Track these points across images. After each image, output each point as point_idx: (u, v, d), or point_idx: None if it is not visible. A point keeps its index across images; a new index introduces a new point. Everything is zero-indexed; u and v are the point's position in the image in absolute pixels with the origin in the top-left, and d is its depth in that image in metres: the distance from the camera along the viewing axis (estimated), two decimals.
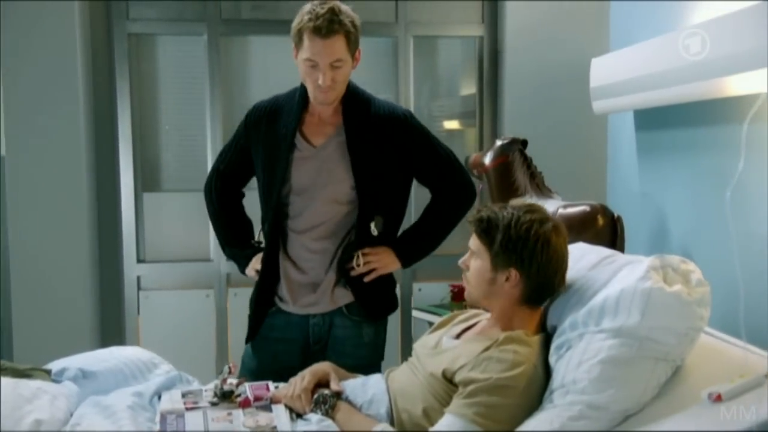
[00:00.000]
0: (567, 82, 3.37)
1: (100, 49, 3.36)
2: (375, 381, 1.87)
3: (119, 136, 3.39)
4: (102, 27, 3.36)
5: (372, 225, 2.24)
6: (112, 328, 3.45)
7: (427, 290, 3.51)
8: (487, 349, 1.70)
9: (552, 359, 1.71)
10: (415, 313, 3.02)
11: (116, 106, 3.38)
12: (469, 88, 3.66)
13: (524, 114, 3.42)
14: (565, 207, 2.60)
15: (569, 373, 1.62)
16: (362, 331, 2.30)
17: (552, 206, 2.63)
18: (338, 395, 1.81)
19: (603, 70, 2.88)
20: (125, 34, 3.37)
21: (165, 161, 3.52)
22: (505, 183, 2.74)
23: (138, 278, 3.48)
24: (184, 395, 1.89)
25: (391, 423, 1.75)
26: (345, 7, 2.10)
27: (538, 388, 1.67)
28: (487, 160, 2.78)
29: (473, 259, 1.82)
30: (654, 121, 2.84)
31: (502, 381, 1.61)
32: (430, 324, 3.07)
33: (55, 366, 1.98)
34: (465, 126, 3.68)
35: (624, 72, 2.70)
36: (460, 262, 1.87)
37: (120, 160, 3.40)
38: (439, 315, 2.95)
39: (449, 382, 1.71)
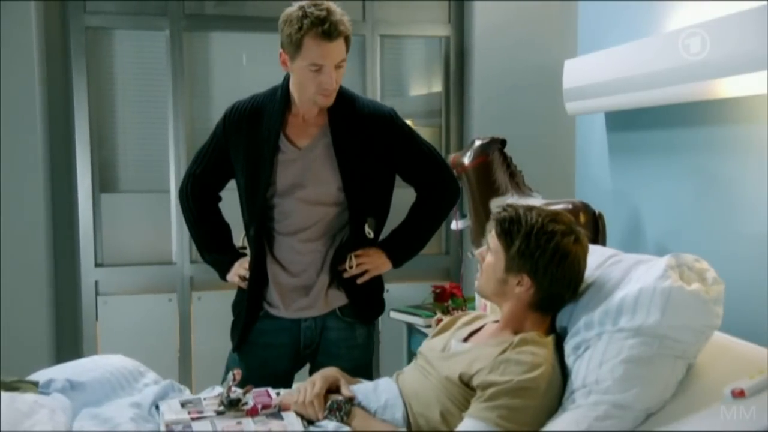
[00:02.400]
0: (535, 83, 3.41)
1: (55, 43, 3.19)
2: (386, 385, 1.83)
3: (76, 135, 3.24)
4: (57, 20, 3.19)
5: (366, 227, 2.21)
6: (68, 336, 3.30)
7: (395, 291, 3.47)
8: (503, 351, 1.68)
9: (569, 359, 1.71)
10: (393, 314, 2.99)
11: (73, 102, 3.23)
12: (434, 87, 3.66)
13: (492, 114, 3.43)
14: (546, 205, 2.61)
15: (591, 373, 1.61)
16: (356, 332, 2.27)
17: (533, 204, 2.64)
18: (351, 401, 1.76)
19: (577, 71, 2.92)
20: (82, 28, 3.21)
21: (124, 161, 3.38)
22: (485, 182, 2.74)
23: (96, 283, 3.32)
24: (183, 405, 1.81)
25: (408, 428, 1.72)
26: (336, 6, 2.05)
27: (557, 388, 1.66)
28: (467, 159, 2.77)
29: (489, 255, 1.81)
30: (626, 122, 2.89)
31: (523, 383, 1.60)
32: (408, 325, 3.05)
33: (40, 377, 1.87)
34: (430, 125, 3.67)
35: (601, 74, 2.74)
36: (477, 252, 1.86)
37: (77, 159, 3.25)
38: (419, 316, 2.93)
39: (466, 385, 1.69)
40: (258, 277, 2.23)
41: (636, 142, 2.85)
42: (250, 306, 2.25)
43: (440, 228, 3.57)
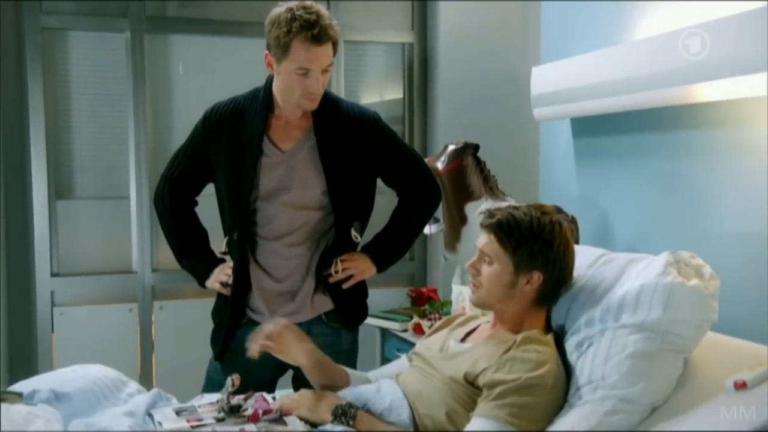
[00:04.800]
0: (498, 90, 3.47)
1: (9, 44, 3.08)
2: (389, 387, 1.80)
3: (30, 139, 3.12)
4: (12, 20, 3.08)
5: (353, 231, 2.20)
6: (22, 349, 3.16)
7: None
8: (507, 350, 1.68)
9: (572, 357, 1.73)
10: (368, 320, 2.97)
11: (27, 106, 3.11)
12: (395, 94, 3.67)
13: (456, 120, 3.46)
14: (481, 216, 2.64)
15: (597, 369, 1.63)
16: (341, 338, 2.24)
17: None
18: (353, 406, 1.72)
19: (545, 78, 2.97)
20: (38, 29, 3.11)
21: (80, 167, 3.27)
22: (459, 187, 2.76)
23: (52, 293, 3.20)
24: (178, 413, 1.75)
25: (415, 428, 1.70)
26: (324, 10, 2.03)
27: (562, 385, 1.68)
28: (440, 164, 2.78)
29: (486, 264, 1.79)
30: (593, 128, 2.96)
31: (531, 380, 1.60)
32: (382, 330, 3.04)
33: (22, 388, 1.78)
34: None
35: (569, 81, 2.79)
36: (468, 265, 1.84)
37: (32, 165, 3.13)
38: (396, 320, 2.92)
39: (471, 384, 1.68)
40: (241, 284, 2.18)
41: (602, 147, 2.92)
42: (233, 313, 2.19)
43: None
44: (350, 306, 2.24)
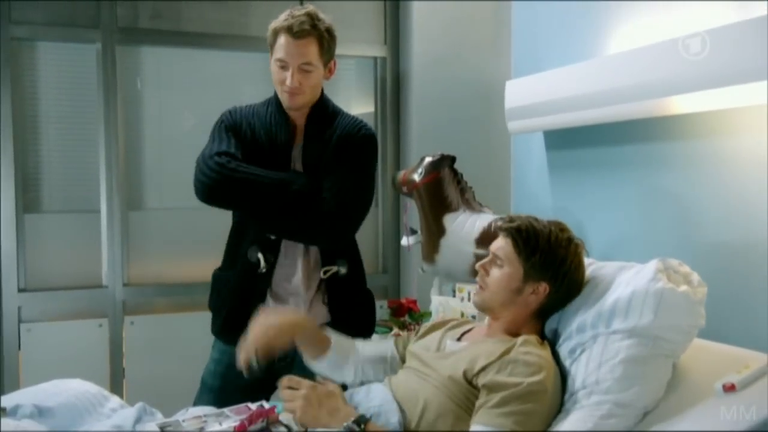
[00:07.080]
0: (472, 103, 3.50)
1: None
2: (378, 390, 1.78)
3: None
4: None
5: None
6: None
7: None
8: (508, 351, 1.68)
9: (566, 362, 1.75)
10: None
11: None
12: (366, 108, 3.68)
13: (428, 134, 3.49)
14: (498, 221, 2.67)
15: (591, 375, 1.65)
16: None
17: (485, 220, 2.70)
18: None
19: (519, 92, 3.01)
20: (7, 39, 3.04)
21: (48, 180, 3.19)
22: (436, 199, 2.76)
23: (19, 309, 3.11)
24: (162, 429, 1.72)
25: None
26: (322, 14, 2.08)
27: (559, 390, 1.69)
28: (417, 176, 2.79)
29: (496, 266, 1.81)
30: (565, 140, 3.01)
31: (534, 386, 1.60)
32: None
33: (5, 402, 1.74)
34: None
35: (544, 94, 2.84)
36: (478, 265, 1.85)
37: None
38: (375, 333, 2.90)
39: (469, 383, 1.68)
40: (249, 293, 2.16)
41: (574, 160, 2.96)
42: (258, 294, 2.17)
43: (377, 246, 3.63)
44: (351, 322, 2.22)
